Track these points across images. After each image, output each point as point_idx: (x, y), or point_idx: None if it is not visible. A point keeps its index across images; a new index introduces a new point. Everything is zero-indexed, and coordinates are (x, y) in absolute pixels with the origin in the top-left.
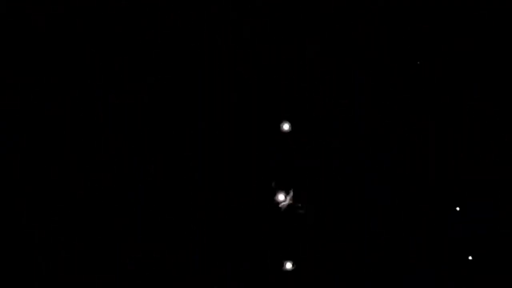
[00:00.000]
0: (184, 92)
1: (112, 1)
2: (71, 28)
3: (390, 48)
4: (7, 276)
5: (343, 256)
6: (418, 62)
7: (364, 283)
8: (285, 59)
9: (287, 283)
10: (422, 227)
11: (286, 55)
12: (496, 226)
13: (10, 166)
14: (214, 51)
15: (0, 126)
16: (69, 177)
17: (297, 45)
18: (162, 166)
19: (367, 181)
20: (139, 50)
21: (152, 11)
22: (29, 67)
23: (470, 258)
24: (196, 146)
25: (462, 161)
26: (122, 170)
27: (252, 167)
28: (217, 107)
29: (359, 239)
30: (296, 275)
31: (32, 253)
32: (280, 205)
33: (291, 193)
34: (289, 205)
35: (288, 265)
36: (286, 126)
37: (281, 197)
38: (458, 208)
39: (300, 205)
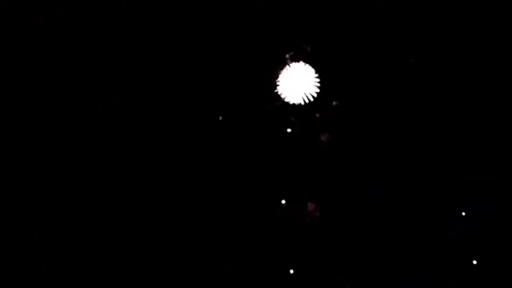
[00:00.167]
0: (184, 92)
1: (112, 1)
2: (71, 28)
3: (390, 48)
4: (7, 276)
5: (344, 256)
6: (412, 60)
7: (364, 283)
8: (285, 59)
9: (287, 283)
10: (422, 227)
11: (285, 55)
12: (496, 226)
13: (10, 166)
14: (214, 51)
15: (0, 126)
16: (69, 177)
17: (297, 45)
18: (162, 166)
19: (367, 181)
20: (139, 50)
21: (152, 11)
22: (29, 67)
23: (474, 262)
24: (196, 146)
25: (462, 161)
26: (122, 170)
27: (252, 167)
28: (217, 107)
29: (359, 239)
30: (296, 275)
31: (32, 253)
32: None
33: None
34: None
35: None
36: (286, 127)
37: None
38: (464, 213)
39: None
